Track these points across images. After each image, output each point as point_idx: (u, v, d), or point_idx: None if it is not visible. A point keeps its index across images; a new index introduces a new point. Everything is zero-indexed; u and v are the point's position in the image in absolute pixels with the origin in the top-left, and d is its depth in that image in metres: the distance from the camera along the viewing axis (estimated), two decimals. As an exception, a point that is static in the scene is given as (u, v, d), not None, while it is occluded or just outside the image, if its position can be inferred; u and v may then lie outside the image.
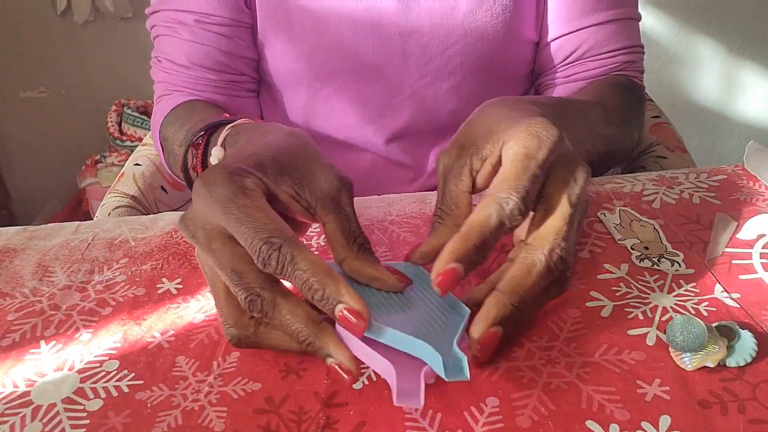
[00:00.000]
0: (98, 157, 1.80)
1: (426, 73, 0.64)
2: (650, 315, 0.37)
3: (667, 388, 0.32)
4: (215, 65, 0.63)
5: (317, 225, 0.46)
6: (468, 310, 0.35)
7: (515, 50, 0.65)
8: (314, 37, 0.62)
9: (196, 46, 0.62)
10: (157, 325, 0.40)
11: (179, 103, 0.63)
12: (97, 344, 0.38)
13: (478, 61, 0.63)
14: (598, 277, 0.41)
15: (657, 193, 0.50)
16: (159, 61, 0.65)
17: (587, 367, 0.34)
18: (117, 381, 0.35)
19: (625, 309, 0.38)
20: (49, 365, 0.37)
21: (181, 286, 0.43)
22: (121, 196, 0.72)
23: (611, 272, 0.41)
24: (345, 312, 0.31)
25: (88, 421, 0.33)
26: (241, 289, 0.32)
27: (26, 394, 0.35)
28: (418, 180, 0.70)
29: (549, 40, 0.65)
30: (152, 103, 0.72)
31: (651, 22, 1.67)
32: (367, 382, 0.34)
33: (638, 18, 0.66)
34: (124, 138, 1.77)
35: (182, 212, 0.54)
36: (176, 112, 0.62)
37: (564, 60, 0.65)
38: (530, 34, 0.65)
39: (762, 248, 0.42)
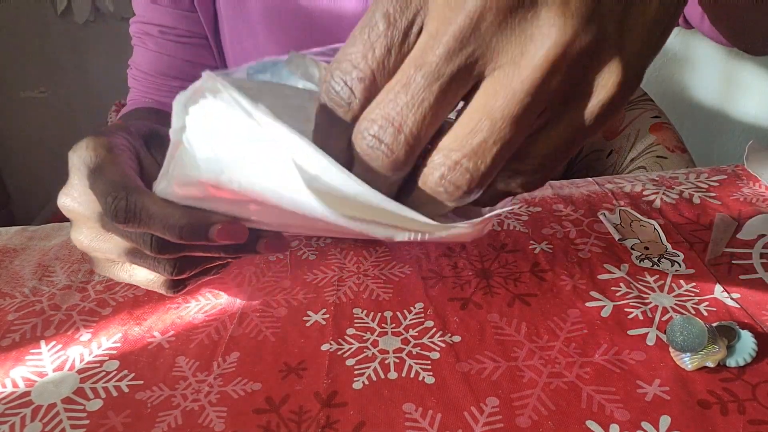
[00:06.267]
0: (98, 157, 1.80)
1: None
2: (650, 315, 0.37)
3: (667, 388, 0.32)
4: (179, 74, 0.67)
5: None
6: None
7: None
8: (276, 46, 0.64)
9: (161, 56, 0.66)
10: (157, 325, 0.40)
11: (130, 110, 0.67)
12: (97, 344, 0.38)
13: None
14: (598, 277, 0.41)
15: (657, 193, 0.50)
16: (131, 69, 0.69)
17: (587, 367, 0.34)
18: (117, 381, 0.35)
19: (625, 309, 0.38)
20: (49, 365, 0.37)
21: (181, 286, 0.43)
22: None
23: (611, 272, 0.41)
24: (221, 228, 0.30)
25: (88, 422, 0.33)
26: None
27: (26, 394, 0.35)
28: None
29: None
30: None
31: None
32: (367, 382, 0.34)
33: None
34: (124, 138, 1.77)
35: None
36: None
37: None
38: None
39: (762, 248, 0.42)
